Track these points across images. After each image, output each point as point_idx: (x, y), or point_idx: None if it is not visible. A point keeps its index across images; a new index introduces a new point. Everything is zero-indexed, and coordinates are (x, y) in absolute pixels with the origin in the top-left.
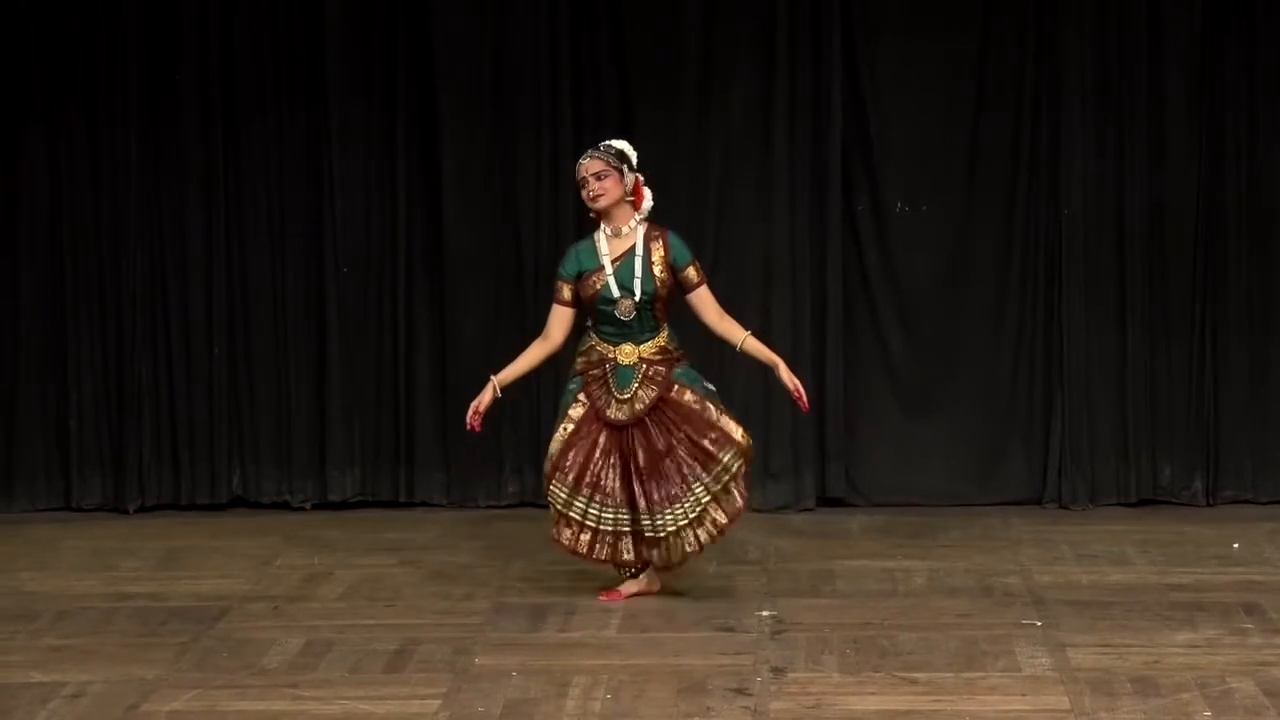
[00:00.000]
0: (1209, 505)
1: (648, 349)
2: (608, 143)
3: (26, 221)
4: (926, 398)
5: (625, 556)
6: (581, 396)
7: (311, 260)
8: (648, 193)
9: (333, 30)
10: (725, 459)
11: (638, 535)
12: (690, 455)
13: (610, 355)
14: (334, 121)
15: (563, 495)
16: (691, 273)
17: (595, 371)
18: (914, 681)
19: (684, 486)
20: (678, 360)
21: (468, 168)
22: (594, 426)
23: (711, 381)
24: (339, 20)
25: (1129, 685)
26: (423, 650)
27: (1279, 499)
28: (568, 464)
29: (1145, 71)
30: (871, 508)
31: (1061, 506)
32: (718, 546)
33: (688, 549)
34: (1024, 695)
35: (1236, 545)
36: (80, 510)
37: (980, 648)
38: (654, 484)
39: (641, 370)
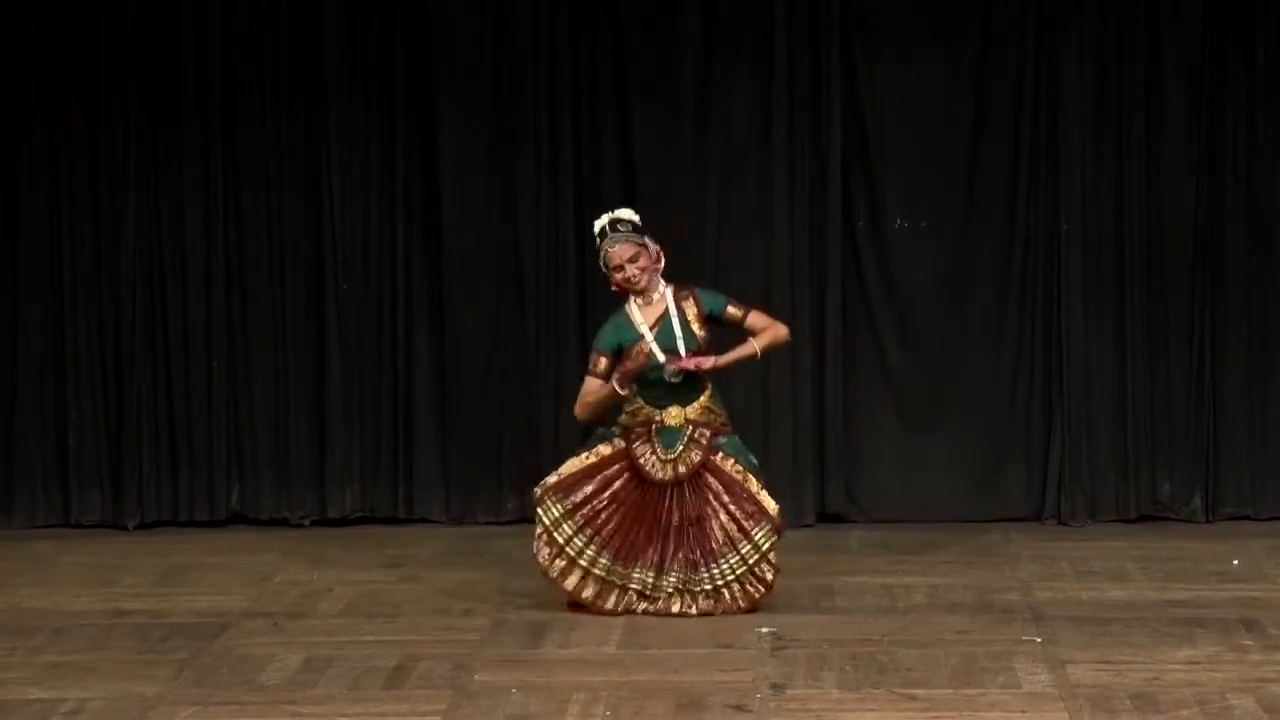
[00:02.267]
0: (1208, 521)
1: (693, 410)
2: (623, 219)
3: (26, 237)
4: (926, 413)
5: (605, 605)
6: (618, 443)
7: (311, 274)
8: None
9: (332, 33)
10: (758, 536)
11: (637, 593)
12: (724, 527)
13: (657, 418)
14: (333, 125)
15: (555, 514)
16: (733, 310)
17: (640, 430)
18: (913, 698)
19: (709, 560)
20: (722, 427)
21: (467, 174)
22: (617, 474)
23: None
24: (338, 23)
25: (1129, 702)
26: (422, 667)
27: (1278, 515)
28: (574, 490)
29: (1144, 83)
30: (871, 523)
31: (1061, 523)
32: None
33: (690, 609)
34: (1024, 712)
35: (1236, 561)
36: (79, 526)
37: (980, 664)
38: (681, 547)
39: (687, 432)
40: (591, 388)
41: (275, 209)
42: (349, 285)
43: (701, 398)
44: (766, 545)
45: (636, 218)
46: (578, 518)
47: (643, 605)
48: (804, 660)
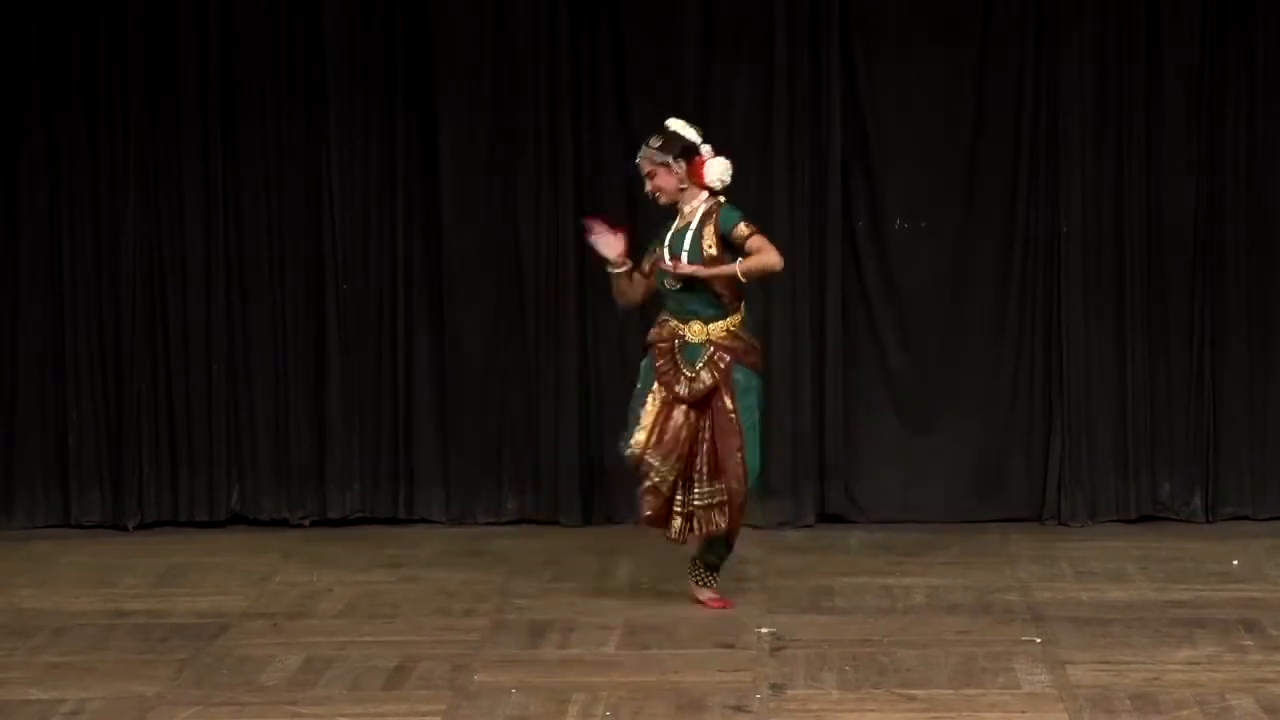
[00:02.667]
0: (1208, 522)
1: (717, 330)
2: (662, 131)
3: (26, 237)
4: (926, 414)
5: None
6: (656, 375)
7: (311, 275)
8: (713, 167)
9: (332, 33)
10: (708, 488)
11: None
12: (703, 459)
13: (680, 331)
14: (333, 125)
15: (662, 469)
16: (741, 229)
17: (664, 345)
18: (913, 698)
19: (691, 480)
20: (746, 354)
21: (467, 174)
22: (669, 400)
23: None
24: (338, 23)
25: (1128, 702)
26: (422, 667)
27: (1278, 515)
28: (665, 436)
29: (1144, 84)
30: (871, 524)
31: (1061, 523)
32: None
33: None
34: (1023, 712)
35: (1236, 562)
36: (79, 527)
37: (980, 664)
38: (700, 460)
39: (708, 352)
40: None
41: (275, 209)
42: (349, 285)
43: (726, 319)
44: (713, 501)
45: (682, 131)
46: (673, 460)
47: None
48: (804, 660)
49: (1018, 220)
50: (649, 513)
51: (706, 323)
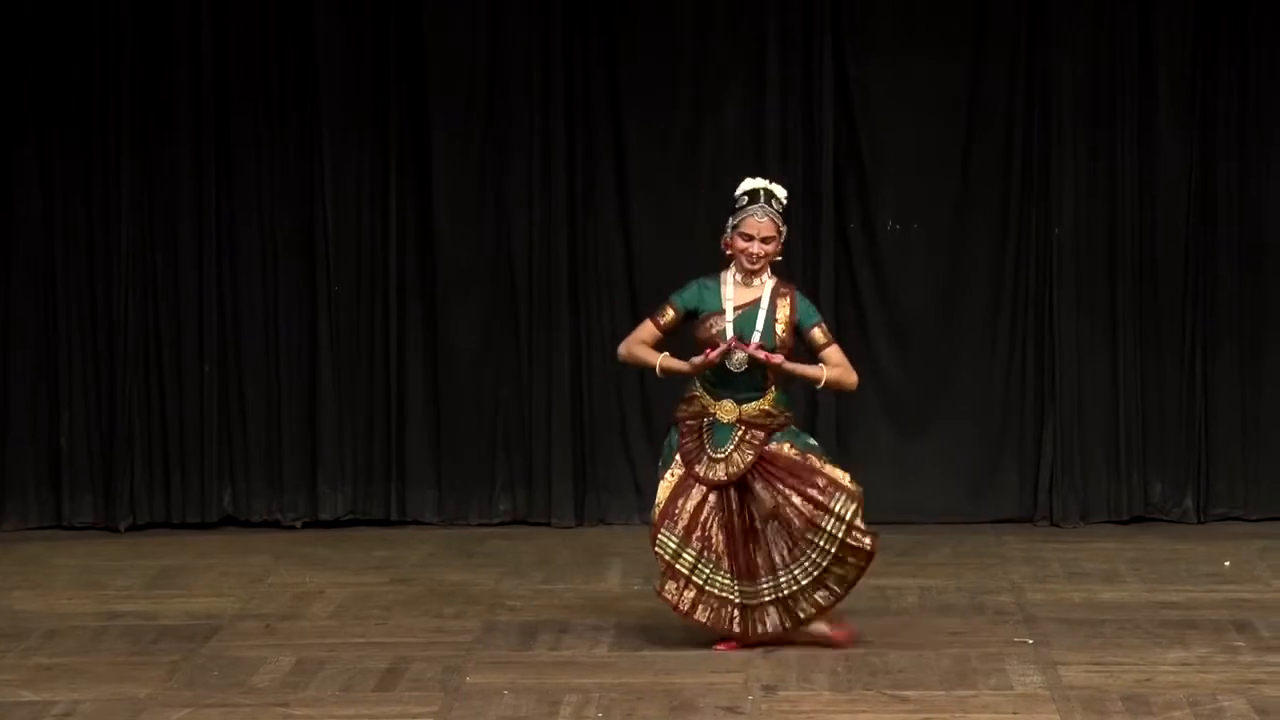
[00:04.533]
0: (1200, 523)
1: (750, 409)
2: (777, 194)
3: (19, 241)
4: (918, 416)
5: (731, 627)
6: (680, 453)
7: (303, 278)
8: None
9: (324, 45)
10: (837, 507)
11: (744, 608)
12: (800, 509)
13: (711, 410)
14: (326, 138)
15: (672, 545)
16: (818, 334)
17: (692, 423)
18: (905, 699)
19: (799, 548)
20: (781, 426)
21: (460, 183)
22: (691, 481)
23: None
24: (331, 36)
25: (1120, 703)
26: (414, 669)
27: (1270, 516)
28: (676, 511)
29: (1136, 89)
30: None
31: (1053, 524)
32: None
33: (805, 612)
34: (1015, 713)
35: (1228, 563)
36: (71, 529)
37: (972, 665)
38: (767, 547)
39: (739, 433)
40: (644, 334)
41: (268, 211)
42: (340, 288)
43: (763, 400)
44: (849, 513)
45: (786, 199)
46: (692, 541)
47: (769, 619)
48: (796, 662)
49: (1010, 222)
50: (703, 620)
51: (740, 403)
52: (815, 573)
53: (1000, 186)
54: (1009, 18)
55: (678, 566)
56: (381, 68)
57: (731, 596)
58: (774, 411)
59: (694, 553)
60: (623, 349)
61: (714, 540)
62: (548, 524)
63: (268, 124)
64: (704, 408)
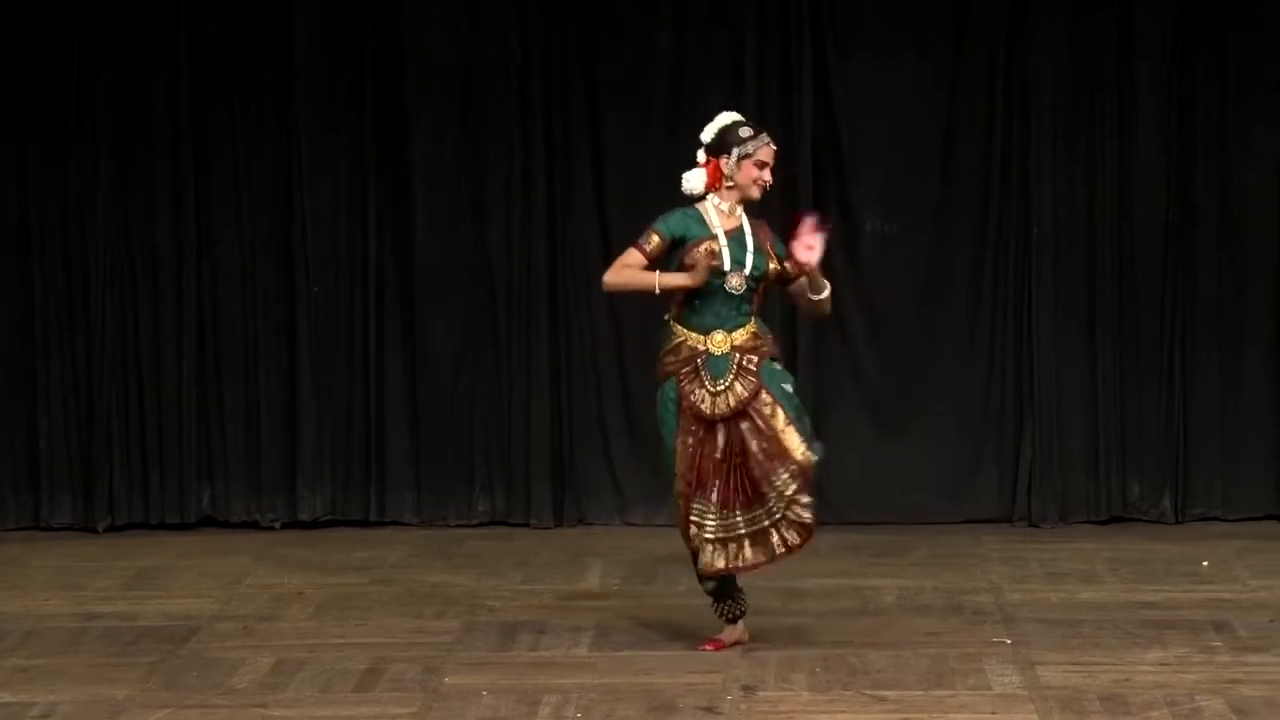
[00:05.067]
0: (1178, 523)
1: (740, 335)
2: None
3: None
4: (897, 415)
5: (745, 559)
6: (681, 403)
7: (281, 279)
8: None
9: (302, 47)
10: (778, 482)
11: (723, 542)
12: (758, 464)
13: (701, 347)
14: (304, 139)
15: (698, 510)
16: (790, 264)
17: (687, 369)
18: (884, 699)
19: (751, 498)
20: (767, 352)
21: (438, 187)
22: (698, 430)
23: None
24: (308, 37)
25: (1098, 703)
26: (393, 669)
27: (1248, 516)
28: (703, 481)
29: (1116, 89)
30: (842, 525)
31: (1031, 524)
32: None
33: (779, 546)
34: (994, 713)
35: (1206, 563)
36: (49, 530)
37: (950, 665)
38: (736, 484)
39: (735, 360)
40: (632, 260)
41: (246, 215)
42: (319, 289)
43: (749, 323)
44: (790, 489)
45: None
46: (722, 507)
47: (751, 550)
48: (774, 662)
49: (989, 222)
50: (721, 566)
51: (730, 331)
52: (763, 525)
53: (980, 185)
54: (989, 16)
55: (702, 532)
56: (359, 68)
57: (718, 532)
58: (760, 333)
59: (727, 513)
60: (610, 276)
61: (706, 478)
62: (527, 525)
63: (245, 126)
64: (693, 348)
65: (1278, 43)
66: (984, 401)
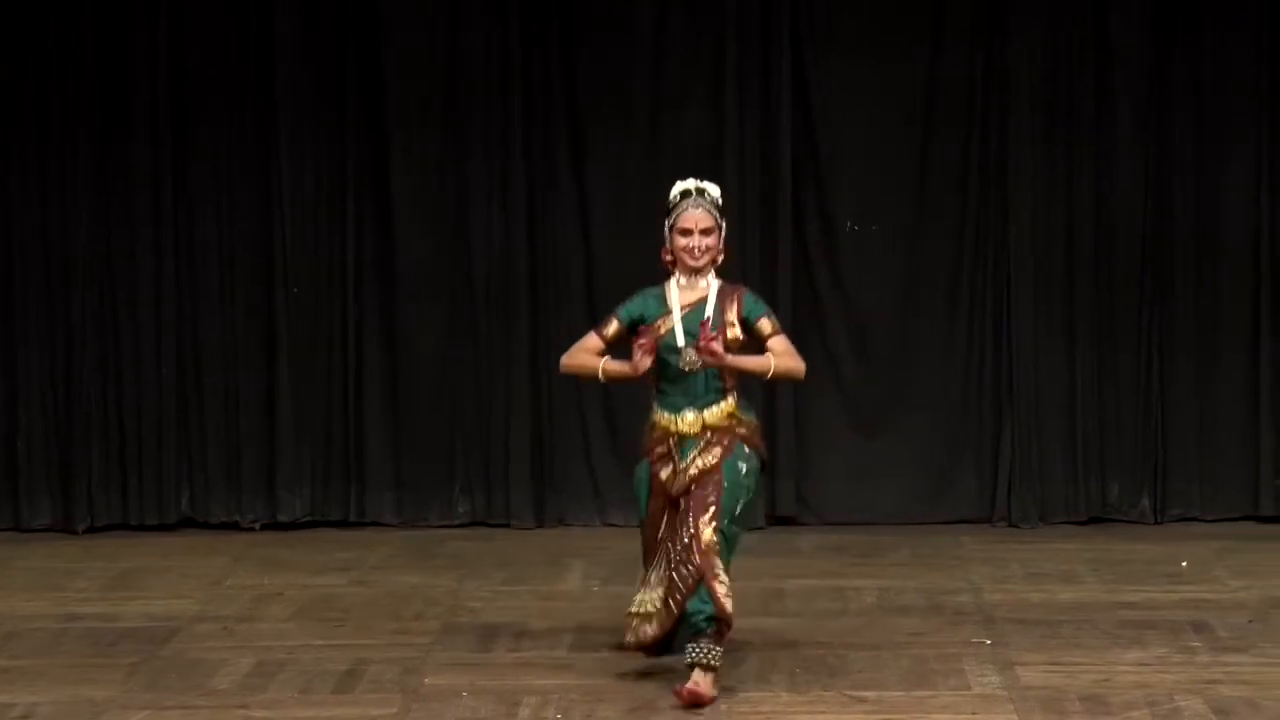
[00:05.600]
0: (1157, 523)
1: (714, 415)
2: (706, 187)
3: None
4: (877, 416)
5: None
6: (653, 483)
7: (261, 280)
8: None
9: (282, 47)
10: (677, 575)
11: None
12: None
13: (674, 429)
14: (284, 141)
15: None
16: (765, 323)
17: (660, 449)
18: (864, 700)
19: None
20: (749, 438)
21: (419, 187)
22: (662, 510)
23: None
24: (288, 37)
25: (1078, 704)
26: (373, 670)
27: (1226, 517)
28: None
29: (1093, 92)
30: (822, 526)
31: (1011, 525)
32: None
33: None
34: (974, 714)
35: (1185, 563)
36: (29, 531)
37: (930, 666)
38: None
39: (705, 439)
40: (589, 344)
41: (225, 215)
42: (299, 289)
43: (724, 403)
44: (683, 588)
45: (721, 199)
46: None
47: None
48: (754, 663)
49: (968, 223)
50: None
51: (701, 410)
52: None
53: (958, 187)
54: (966, 19)
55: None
56: (339, 69)
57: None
58: (741, 417)
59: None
60: (565, 359)
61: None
62: (507, 525)
63: (225, 125)
64: (665, 429)
65: (1254, 45)
66: (964, 403)
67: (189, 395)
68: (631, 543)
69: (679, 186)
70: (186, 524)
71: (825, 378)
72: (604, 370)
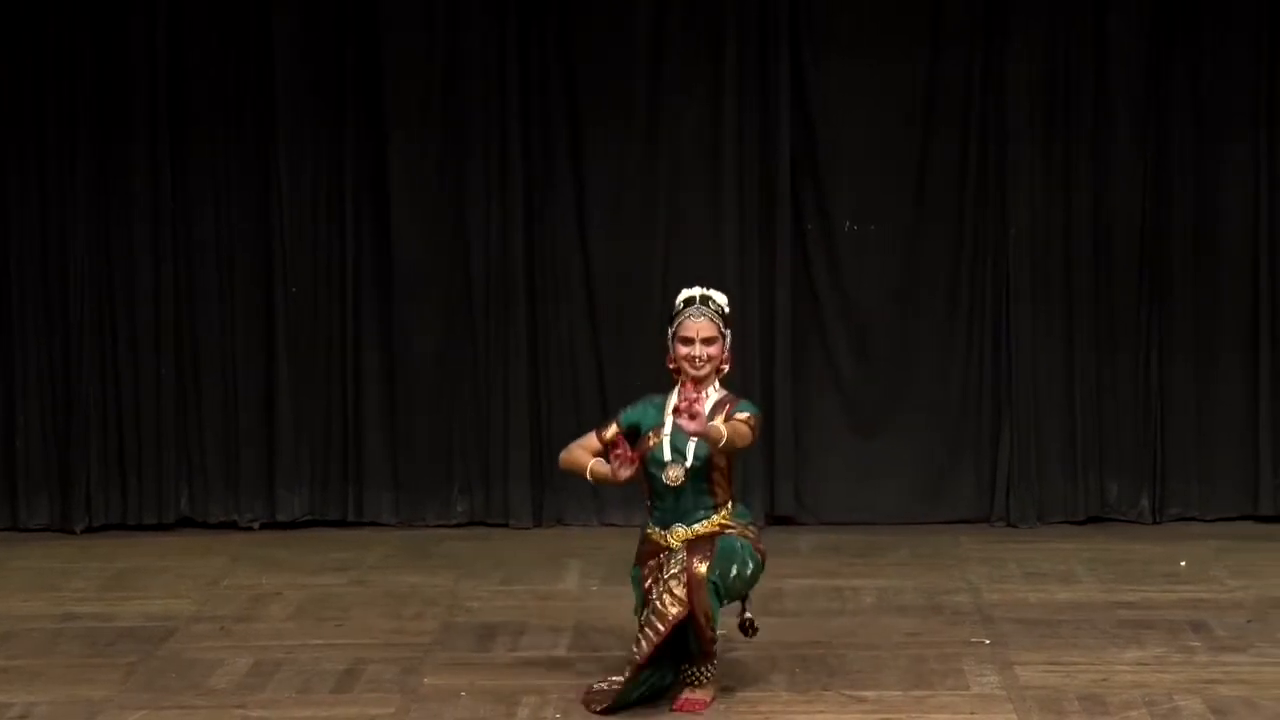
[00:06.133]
0: (1155, 523)
1: (701, 529)
2: (711, 295)
3: None
4: (875, 416)
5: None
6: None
7: (259, 280)
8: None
9: (280, 46)
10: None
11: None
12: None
13: (662, 545)
14: (282, 141)
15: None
16: (749, 417)
17: (651, 563)
18: (863, 700)
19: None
20: (740, 533)
21: (417, 187)
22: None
23: None
24: (287, 36)
25: (1077, 703)
26: (371, 670)
27: (1225, 517)
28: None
29: (1092, 91)
30: (820, 526)
31: (1010, 525)
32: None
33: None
34: (972, 714)
35: (1183, 563)
36: (27, 530)
37: (929, 666)
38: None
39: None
40: (587, 443)
41: (224, 214)
42: (297, 289)
43: (715, 516)
44: (665, 585)
45: (727, 307)
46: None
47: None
48: (753, 663)
49: (966, 223)
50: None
51: (690, 525)
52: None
53: (956, 187)
54: (965, 19)
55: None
56: (338, 68)
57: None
58: (731, 525)
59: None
60: (563, 455)
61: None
62: (505, 525)
63: (223, 125)
64: (655, 545)
65: (1254, 45)
66: (962, 403)
67: (188, 395)
68: (630, 543)
69: (683, 295)
70: (185, 523)
71: (824, 378)
72: (591, 471)
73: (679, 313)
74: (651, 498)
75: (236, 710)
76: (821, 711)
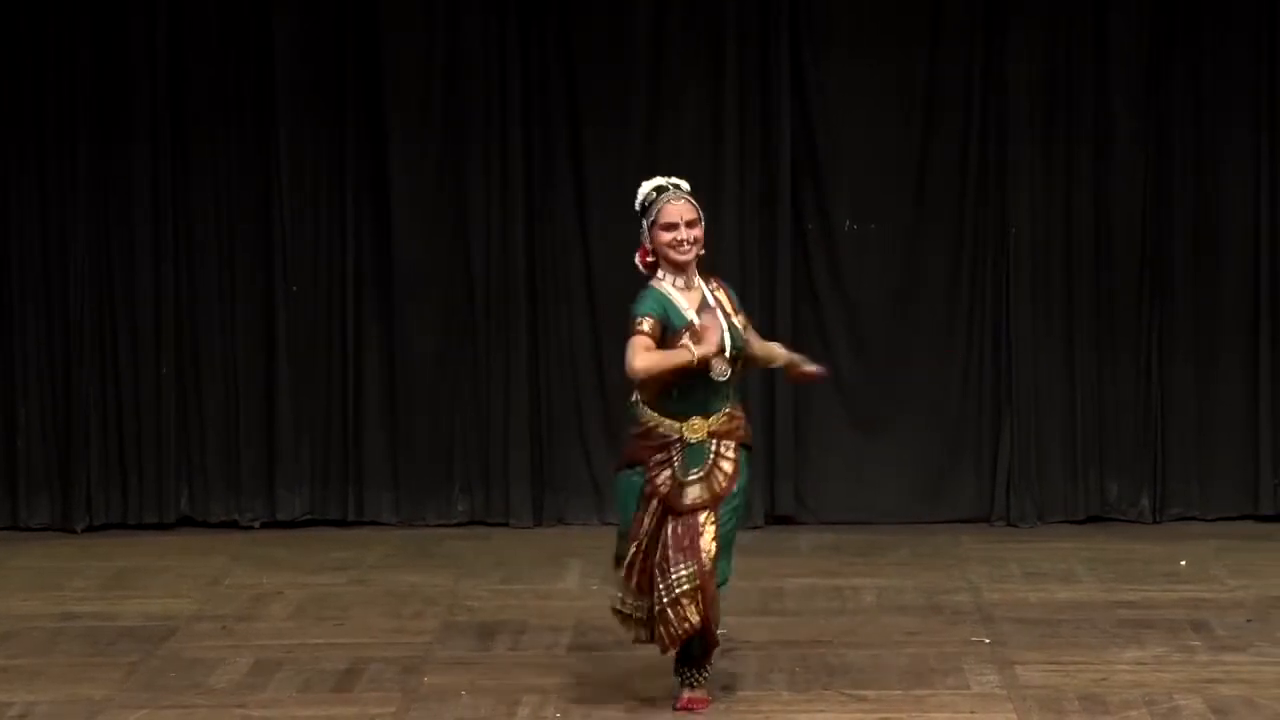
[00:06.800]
0: (1156, 523)
1: (717, 420)
2: (679, 182)
3: None
4: (876, 416)
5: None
6: (647, 489)
7: (260, 279)
8: None
9: (281, 46)
10: (675, 576)
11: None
12: (662, 552)
13: (674, 435)
14: (283, 141)
15: (630, 601)
16: (742, 318)
17: (660, 456)
18: (863, 699)
19: (652, 582)
20: (743, 436)
21: (417, 187)
22: (652, 519)
23: None
24: (288, 40)
25: (1077, 703)
26: (372, 669)
27: (1225, 516)
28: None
29: (1092, 91)
30: (821, 525)
31: (1010, 524)
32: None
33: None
34: (973, 713)
35: (1184, 563)
36: (27, 530)
37: (929, 665)
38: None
39: (713, 448)
40: (648, 344)
41: (225, 213)
42: (298, 288)
43: (728, 405)
44: (680, 588)
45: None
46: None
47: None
48: (754, 662)
49: (966, 222)
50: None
51: (708, 416)
52: (650, 614)
53: (957, 186)
54: (965, 18)
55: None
56: (339, 69)
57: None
58: (736, 414)
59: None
60: (640, 362)
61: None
62: (506, 524)
63: (224, 125)
64: (665, 435)
65: (1253, 46)
66: (962, 402)
67: (188, 395)
68: None
69: (650, 184)
70: (185, 523)
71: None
72: (699, 354)
73: (653, 201)
74: (667, 394)
75: (237, 710)
76: (822, 711)
